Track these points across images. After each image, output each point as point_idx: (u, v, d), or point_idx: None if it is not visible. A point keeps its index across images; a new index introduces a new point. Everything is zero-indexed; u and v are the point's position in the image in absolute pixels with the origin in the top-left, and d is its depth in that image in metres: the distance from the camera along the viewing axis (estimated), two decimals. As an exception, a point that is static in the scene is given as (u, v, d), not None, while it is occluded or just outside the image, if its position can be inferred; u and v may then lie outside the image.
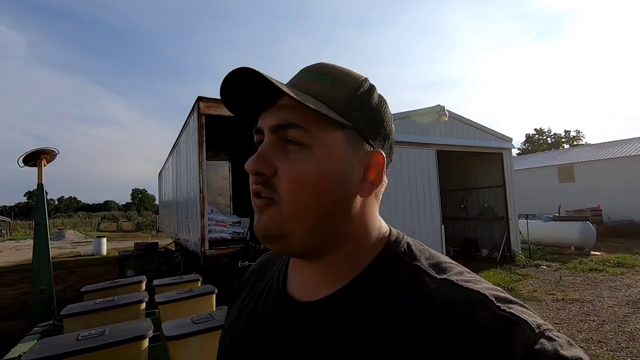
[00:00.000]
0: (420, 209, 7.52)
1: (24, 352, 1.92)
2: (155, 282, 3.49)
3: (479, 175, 10.31)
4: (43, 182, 4.80)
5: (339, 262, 0.47)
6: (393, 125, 0.51)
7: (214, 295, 2.89)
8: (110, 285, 3.40)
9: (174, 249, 9.82)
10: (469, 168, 10.51)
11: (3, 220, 27.45)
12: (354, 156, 0.45)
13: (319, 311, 0.46)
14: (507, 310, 0.39)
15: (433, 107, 8.09)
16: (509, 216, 9.16)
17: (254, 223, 0.46)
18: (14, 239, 23.66)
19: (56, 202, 76.66)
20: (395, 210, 7.14)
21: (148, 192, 79.83)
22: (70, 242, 20.62)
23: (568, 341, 0.38)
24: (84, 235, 24.47)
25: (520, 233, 9.59)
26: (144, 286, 3.48)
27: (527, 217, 10.41)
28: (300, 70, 0.49)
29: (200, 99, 4.98)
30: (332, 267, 0.47)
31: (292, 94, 0.41)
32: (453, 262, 0.49)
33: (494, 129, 9.18)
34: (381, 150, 0.47)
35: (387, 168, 0.50)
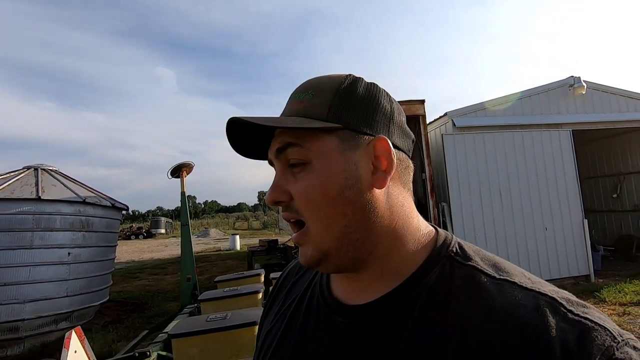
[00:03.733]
0: (554, 202, 6.37)
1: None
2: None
3: (638, 156, 8.23)
4: (185, 190, 5.87)
5: (384, 261, 0.46)
6: (395, 105, 0.49)
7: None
8: (236, 276, 4.01)
9: (293, 245, 10.75)
10: (622, 148, 8.47)
11: (168, 221, 34.41)
12: (356, 153, 0.45)
13: (366, 314, 0.45)
14: (582, 314, 0.36)
15: (563, 80, 6.81)
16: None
17: (299, 260, 0.49)
18: (175, 237, 29.37)
19: (202, 205, 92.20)
20: (520, 206, 6.21)
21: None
22: (213, 239, 24.65)
23: None
24: (223, 233, 28.76)
25: None
26: (262, 278, 3.97)
27: None
28: (290, 96, 0.51)
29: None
30: (379, 268, 0.46)
31: (270, 123, 0.44)
32: (512, 264, 0.44)
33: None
34: (382, 135, 0.45)
35: (405, 151, 0.49)
